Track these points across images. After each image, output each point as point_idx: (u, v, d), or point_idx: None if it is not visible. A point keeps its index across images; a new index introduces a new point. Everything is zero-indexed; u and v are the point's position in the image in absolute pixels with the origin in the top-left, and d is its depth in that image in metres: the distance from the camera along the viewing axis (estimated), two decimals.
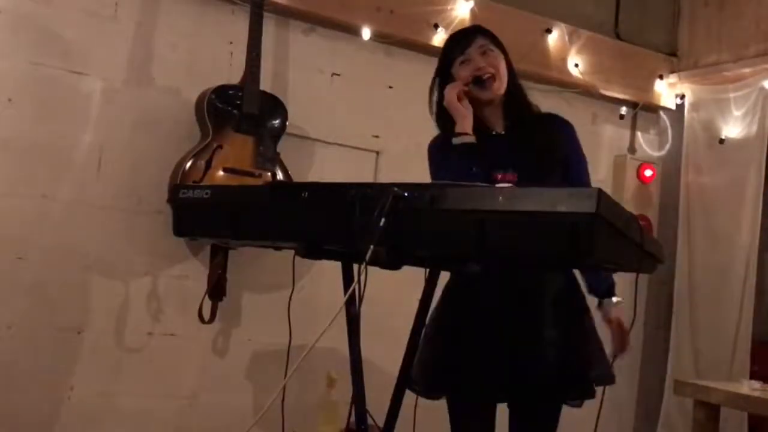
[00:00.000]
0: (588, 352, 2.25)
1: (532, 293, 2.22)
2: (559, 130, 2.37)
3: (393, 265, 1.71)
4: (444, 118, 2.33)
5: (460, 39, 2.36)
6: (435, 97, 2.37)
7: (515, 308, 2.20)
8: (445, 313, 2.27)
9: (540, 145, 2.29)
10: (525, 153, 2.26)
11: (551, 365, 2.17)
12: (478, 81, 2.28)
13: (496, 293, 2.20)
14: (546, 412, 2.29)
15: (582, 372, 2.22)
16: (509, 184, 2.09)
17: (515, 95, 2.36)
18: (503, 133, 2.35)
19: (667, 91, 4.57)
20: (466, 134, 2.25)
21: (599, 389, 2.24)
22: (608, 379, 2.25)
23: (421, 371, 2.22)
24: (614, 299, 2.33)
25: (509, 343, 2.18)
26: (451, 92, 2.28)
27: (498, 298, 2.21)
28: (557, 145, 2.31)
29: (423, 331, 2.01)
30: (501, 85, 2.30)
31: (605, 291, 2.33)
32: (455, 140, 2.25)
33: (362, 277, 1.65)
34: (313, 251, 1.94)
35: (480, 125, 2.33)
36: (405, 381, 2.00)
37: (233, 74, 3.27)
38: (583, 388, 2.24)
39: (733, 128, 4.27)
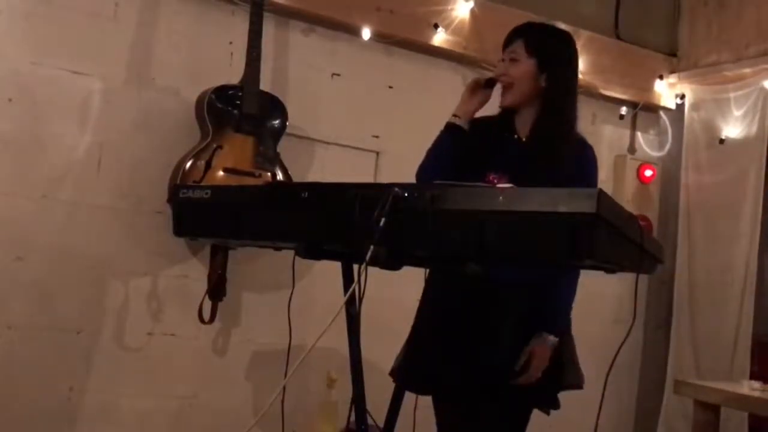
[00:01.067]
0: (554, 362, 2.27)
1: (498, 297, 2.24)
2: (573, 154, 2.33)
3: (393, 265, 1.71)
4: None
5: (505, 40, 2.41)
6: None
7: (479, 310, 2.23)
8: (419, 315, 2.29)
9: (547, 162, 2.26)
10: (529, 165, 2.26)
11: (507, 368, 2.20)
12: (490, 83, 2.38)
13: (464, 294, 2.23)
14: (507, 414, 2.30)
15: (545, 382, 2.24)
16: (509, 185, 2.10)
17: (549, 106, 2.33)
18: (523, 139, 2.37)
19: (667, 91, 4.57)
20: (456, 116, 2.36)
21: (598, 389, 2.24)
22: (575, 385, 2.31)
23: (404, 366, 2.27)
24: (549, 337, 2.27)
25: (469, 344, 2.21)
26: (470, 81, 2.41)
27: (464, 300, 2.24)
28: (562, 169, 2.26)
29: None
30: (511, 96, 2.35)
31: (546, 323, 2.30)
32: (449, 119, 2.37)
33: (362, 277, 1.65)
34: (313, 251, 1.94)
35: (507, 126, 2.38)
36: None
37: (233, 74, 3.27)
38: (546, 399, 2.28)
39: (733, 128, 4.26)
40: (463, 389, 2.24)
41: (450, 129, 2.35)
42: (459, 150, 2.32)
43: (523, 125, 2.37)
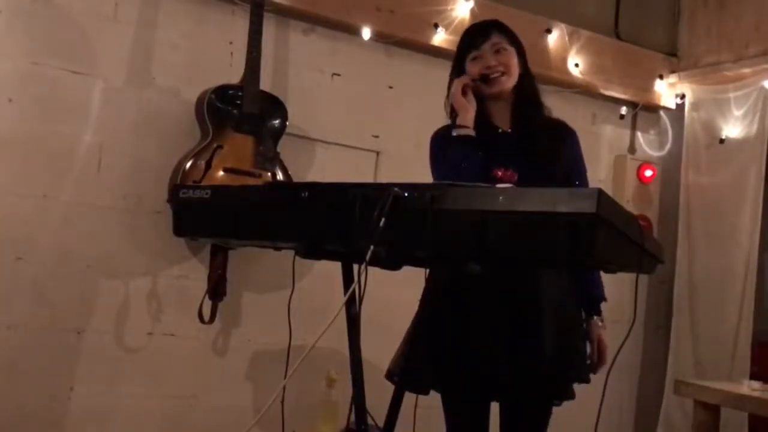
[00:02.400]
0: (574, 355, 2.26)
1: (525, 293, 2.21)
2: (565, 138, 2.38)
3: (393, 265, 1.71)
4: (454, 111, 2.35)
5: (476, 34, 2.38)
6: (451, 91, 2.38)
7: (509, 309, 2.19)
8: (433, 311, 2.22)
9: (545, 149, 2.29)
10: (529, 154, 2.27)
11: (545, 365, 2.16)
12: (485, 79, 2.31)
13: (490, 293, 2.19)
14: (538, 410, 2.29)
15: (562, 372, 2.23)
16: (509, 184, 2.10)
17: (526, 95, 2.36)
18: (509, 131, 2.36)
19: (667, 91, 4.57)
20: (466, 127, 2.28)
21: (598, 389, 2.24)
22: (584, 378, 2.27)
23: (409, 366, 2.22)
24: (600, 321, 2.35)
25: (502, 343, 2.17)
26: (457, 85, 2.32)
27: (491, 299, 2.20)
28: (561, 153, 2.33)
29: (409, 327, 2.04)
30: (509, 81, 2.32)
31: (593, 308, 2.36)
32: (454, 132, 2.29)
33: (362, 277, 1.65)
34: (313, 251, 1.94)
35: (487, 121, 2.35)
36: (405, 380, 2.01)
37: (233, 74, 3.27)
38: (563, 389, 2.25)
39: (733, 128, 4.26)
40: (483, 387, 2.22)
41: (469, 141, 2.27)
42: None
43: (501, 117, 2.36)
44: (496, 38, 2.34)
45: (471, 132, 2.28)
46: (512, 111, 2.36)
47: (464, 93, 2.31)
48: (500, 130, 2.35)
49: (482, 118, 2.34)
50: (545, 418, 2.30)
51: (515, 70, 2.33)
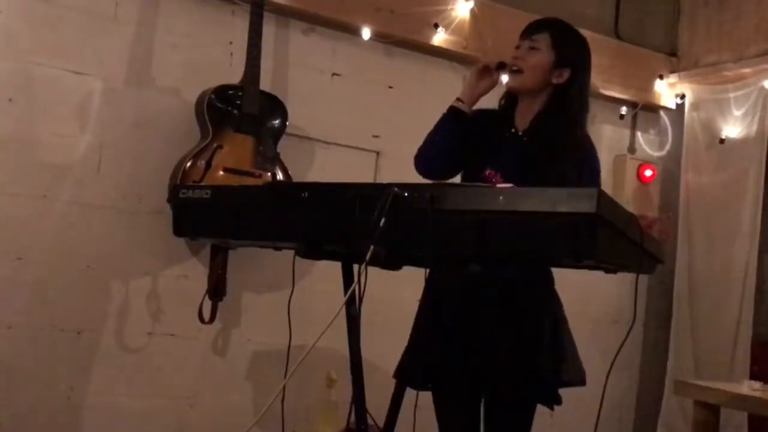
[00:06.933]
0: (548, 355, 2.21)
1: (482, 289, 2.19)
2: (578, 160, 2.29)
3: (393, 265, 1.71)
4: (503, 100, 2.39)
5: (526, 28, 2.38)
6: None
7: (465, 303, 2.20)
8: (423, 310, 2.26)
9: (546, 161, 2.21)
10: (526, 162, 2.23)
11: (498, 363, 2.15)
12: (501, 65, 2.32)
13: (465, 291, 2.20)
14: (510, 409, 2.27)
15: (541, 376, 2.20)
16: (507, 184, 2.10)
17: (555, 103, 2.30)
18: (520, 133, 2.33)
19: (667, 91, 4.57)
20: (460, 100, 2.32)
21: (598, 389, 2.24)
22: (578, 381, 2.24)
23: (405, 362, 2.25)
24: None
25: (473, 339, 2.18)
26: (477, 64, 2.37)
27: (464, 296, 2.21)
28: (562, 172, 2.21)
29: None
30: (521, 79, 2.30)
31: None
32: (453, 103, 2.33)
33: (362, 277, 1.66)
34: (313, 251, 1.94)
35: (509, 120, 2.35)
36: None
37: (233, 74, 3.27)
38: (548, 394, 2.24)
39: (733, 128, 4.27)
40: (470, 385, 2.22)
41: (453, 114, 2.31)
42: (461, 135, 2.29)
43: (522, 118, 2.34)
44: (539, 36, 2.32)
45: (462, 106, 2.31)
46: (534, 116, 2.31)
47: (485, 74, 2.33)
48: (513, 130, 2.34)
49: (503, 115, 2.36)
50: (520, 419, 2.27)
51: (537, 73, 2.28)
